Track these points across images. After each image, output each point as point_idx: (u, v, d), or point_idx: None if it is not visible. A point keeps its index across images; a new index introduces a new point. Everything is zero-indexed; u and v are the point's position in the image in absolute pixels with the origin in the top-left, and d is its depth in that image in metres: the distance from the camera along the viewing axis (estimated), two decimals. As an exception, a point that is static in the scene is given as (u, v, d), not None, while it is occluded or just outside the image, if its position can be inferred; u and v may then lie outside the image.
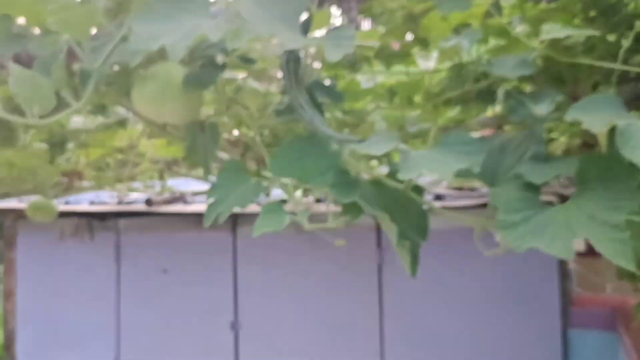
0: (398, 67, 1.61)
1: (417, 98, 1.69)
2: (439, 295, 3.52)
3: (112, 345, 4.24)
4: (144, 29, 1.12)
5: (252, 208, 4.27)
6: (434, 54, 1.68)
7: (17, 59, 1.26)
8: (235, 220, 4.03)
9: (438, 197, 3.37)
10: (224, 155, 2.53)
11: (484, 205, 3.20)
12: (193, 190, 4.10)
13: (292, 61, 1.19)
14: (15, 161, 2.38)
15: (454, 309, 3.49)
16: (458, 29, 1.45)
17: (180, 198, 4.17)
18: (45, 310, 4.37)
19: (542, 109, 1.02)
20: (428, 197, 3.31)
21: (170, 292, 4.14)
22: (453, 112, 1.66)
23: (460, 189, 3.47)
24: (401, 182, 1.18)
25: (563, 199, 3.23)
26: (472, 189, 3.53)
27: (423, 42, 1.50)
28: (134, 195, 4.15)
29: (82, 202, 4.02)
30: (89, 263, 4.29)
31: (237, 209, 3.91)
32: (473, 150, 1.06)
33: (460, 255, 3.46)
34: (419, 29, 1.40)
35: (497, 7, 1.32)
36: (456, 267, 3.48)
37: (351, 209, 1.14)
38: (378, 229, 3.63)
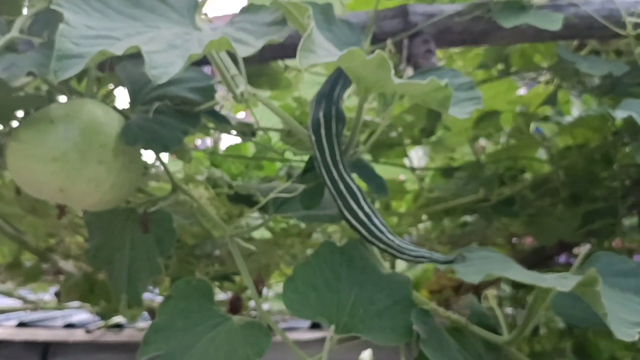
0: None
1: (400, 203, 1.29)
2: None
3: None
4: (87, 23, 0.58)
5: (74, 335, 3.28)
6: (419, 150, 1.31)
7: None
8: (45, 351, 3.06)
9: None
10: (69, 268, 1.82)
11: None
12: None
13: (332, 120, 0.71)
14: None
15: None
16: (482, 119, 1.10)
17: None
18: None
19: None
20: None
21: None
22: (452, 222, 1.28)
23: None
24: (498, 333, 0.73)
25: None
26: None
27: (429, 131, 1.12)
28: None
29: None
30: None
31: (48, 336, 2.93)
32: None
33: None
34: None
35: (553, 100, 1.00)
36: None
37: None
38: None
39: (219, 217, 1.32)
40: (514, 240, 1.81)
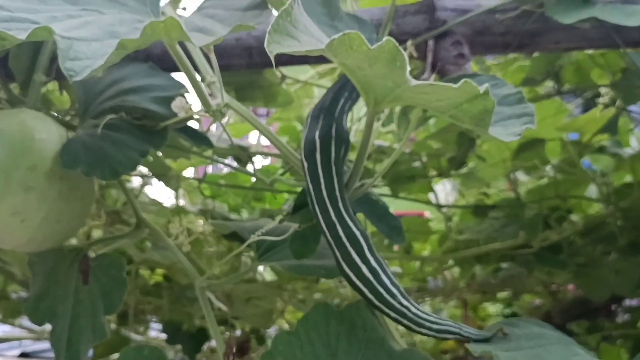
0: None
1: (423, 245, 1.10)
2: None
3: None
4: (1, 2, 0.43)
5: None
6: (447, 184, 1.13)
7: None
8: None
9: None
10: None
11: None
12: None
13: (332, 141, 0.54)
14: None
15: None
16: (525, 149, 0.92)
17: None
18: None
19: None
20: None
21: None
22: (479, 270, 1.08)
23: None
24: None
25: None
26: None
27: (459, 162, 0.94)
28: None
29: None
30: None
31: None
32: None
33: None
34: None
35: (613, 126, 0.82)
36: None
37: None
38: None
39: (213, 254, 1.16)
40: (554, 287, 1.60)
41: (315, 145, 0.53)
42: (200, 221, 1.12)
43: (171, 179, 0.94)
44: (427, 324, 0.49)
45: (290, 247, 0.57)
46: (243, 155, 0.91)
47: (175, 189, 0.98)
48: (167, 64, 0.67)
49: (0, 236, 0.54)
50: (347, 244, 0.50)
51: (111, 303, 0.57)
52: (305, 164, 0.53)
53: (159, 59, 0.67)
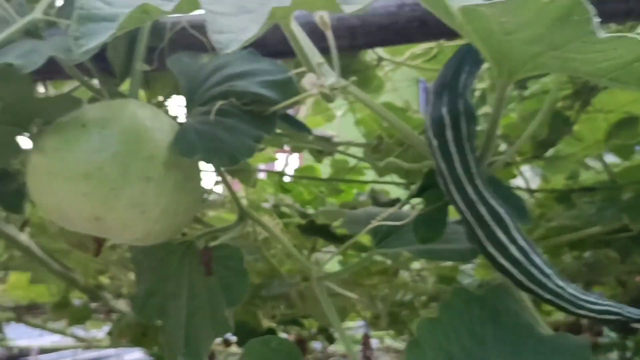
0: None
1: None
2: None
3: None
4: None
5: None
6: (528, 170, 1.08)
7: None
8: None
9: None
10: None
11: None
12: (41, 345, 3.00)
13: (461, 117, 0.51)
14: None
15: None
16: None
17: (20, 356, 3.01)
18: None
19: None
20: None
21: None
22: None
23: None
24: None
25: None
26: None
27: (549, 145, 0.90)
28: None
29: None
30: None
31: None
32: None
33: None
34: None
35: None
36: None
37: None
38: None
39: (282, 253, 1.13)
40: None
41: (444, 122, 0.50)
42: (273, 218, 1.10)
43: (250, 175, 0.91)
44: (587, 304, 0.45)
45: (415, 232, 0.54)
46: (325, 145, 0.88)
47: (253, 185, 0.96)
48: (263, 50, 0.65)
49: (119, 229, 0.52)
50: (492, 223, 0.47)
51: (234, 296, 0.55)
52: (435, 142, 0.50)
53: (255, 45, 0.65)
